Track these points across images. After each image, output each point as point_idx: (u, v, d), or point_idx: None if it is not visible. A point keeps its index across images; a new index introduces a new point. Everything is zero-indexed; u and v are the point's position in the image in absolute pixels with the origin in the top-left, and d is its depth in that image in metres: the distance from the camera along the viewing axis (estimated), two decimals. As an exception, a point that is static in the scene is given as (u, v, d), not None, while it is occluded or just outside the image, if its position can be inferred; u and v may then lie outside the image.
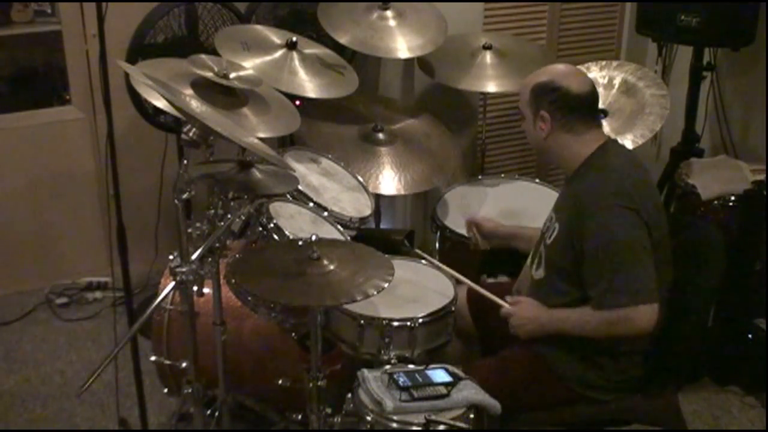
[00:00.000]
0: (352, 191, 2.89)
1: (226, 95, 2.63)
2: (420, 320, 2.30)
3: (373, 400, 2.08)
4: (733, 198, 3.10)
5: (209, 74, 2.59)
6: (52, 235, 3.71)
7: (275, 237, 2.40)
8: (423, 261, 2.60)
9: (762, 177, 3.12)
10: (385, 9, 3.21)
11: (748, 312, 3.15)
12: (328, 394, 2.21)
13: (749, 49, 3.33)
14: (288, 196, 2.63)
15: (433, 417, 2.02)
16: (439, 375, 2.14)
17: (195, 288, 2.14)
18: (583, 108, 2.27)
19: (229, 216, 2.32)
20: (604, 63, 3.33)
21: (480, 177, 3.34)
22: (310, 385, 2.16)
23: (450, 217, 3.02)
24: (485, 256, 2.78)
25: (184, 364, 2.31)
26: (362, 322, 2.29)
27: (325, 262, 2.08)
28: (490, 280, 2.85)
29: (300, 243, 2.18)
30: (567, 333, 2.24)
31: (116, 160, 2.43)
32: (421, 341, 2.32)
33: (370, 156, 3.08)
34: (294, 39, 2.99)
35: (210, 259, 2.15)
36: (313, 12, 3.20)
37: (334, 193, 2.82)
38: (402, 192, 3.05)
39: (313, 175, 2.86)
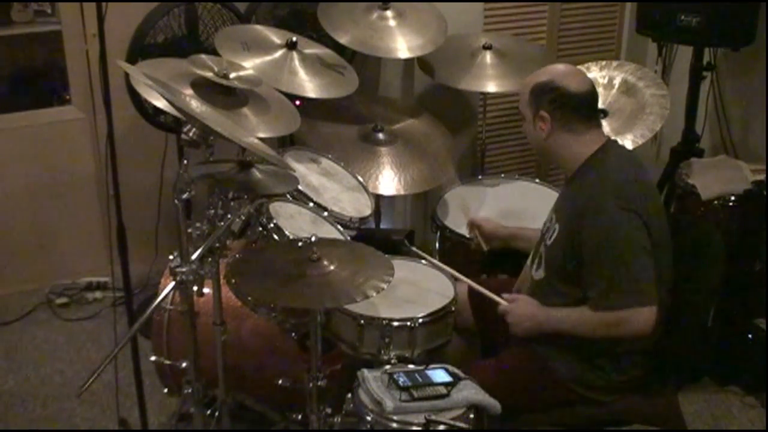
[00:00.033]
0: (352, 191, 2.89)
1: (226, 95, 2.63)
2: (420, 320, 2.30)
3: (373, 400, 2.08)
4: (733, 198, 3.10)
5: (209, 74, 2.59)
6: (52, 235, 3.71)
7: (275, 237, 2.40)
8: (423, 261, 2.60)
9: (762, 177, 3.12)
10: (385, 9, 3.21)
11: (748, 312, 3.15)
12: (328, 394, 2.21)
13: (749, 49, 3.33)
14: (288, 196, 2.63)
15: (433, 417, 2.02)
16: (439, 375, 2.14)
17: (195, 288, 2.14)
18: (582, 107, 2.27)
19: (229, 216, 2.32)
20: (604, 63, 3.33)
21: (480, 177, 3.34)
22: (310, 385, 2.16)
23: (450, 217, 3.02)
24: (485, 256, 2.78)
25: (184, 364, 2.31)
26: (362, 322, 2.29)
27: (325, 262, 2.09)
28: (491, 280, 2.85)
29: (300, 243, 2.18)
30: (564, 333, 2.25)
31: (116, 160, 2.43)
32: (421, 341, 2.32)
33: (370, 156, 3.08)
34: (294, 39, 2.99)
35: (210, 259, 2.15)
36: (313, 12, 3.20)
37: (334, 193, 2.82)
38: (402, 192, 3.05)
39: (313, 175, 2.86)
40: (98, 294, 3.68)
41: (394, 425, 2.03)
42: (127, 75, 2.85)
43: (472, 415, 2.07)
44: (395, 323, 2.28)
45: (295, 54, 2.98)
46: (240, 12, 3.24)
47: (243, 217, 2.36)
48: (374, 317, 2.29)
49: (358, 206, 2.83)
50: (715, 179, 3.18)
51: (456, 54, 3.33)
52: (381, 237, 2.75)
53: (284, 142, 3.16)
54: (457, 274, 2.51)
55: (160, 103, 2.57)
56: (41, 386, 3.13)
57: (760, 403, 3.06)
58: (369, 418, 2.06)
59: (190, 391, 2.29)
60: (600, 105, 3.09)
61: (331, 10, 3.18)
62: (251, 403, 2.64)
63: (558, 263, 2.27)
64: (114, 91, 2.42)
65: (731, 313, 3.09)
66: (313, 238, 2.10)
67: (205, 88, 2.59)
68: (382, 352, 2.29)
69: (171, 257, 2.16)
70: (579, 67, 3.11)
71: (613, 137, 2.57)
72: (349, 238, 2.62)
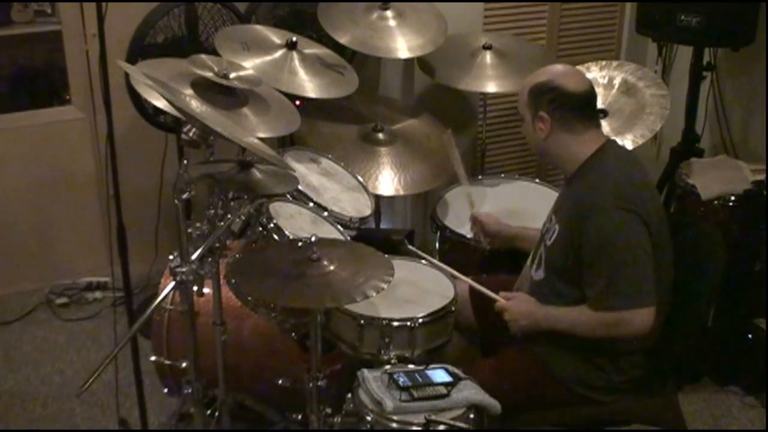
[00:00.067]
0: (352, 191, 2.89)
1: (226, 95, 2.63)
2: (420, 320, 2.30)
3: (373, 400, 2.08)
4: (733, 198, 3.10)
5: (209, 74, 2.59)
6: (52, 235, 3.71)
7: (275, 237, 2.40)
8: (423, 261, 2.60)
9: (762, 177, 3.12)
10: (385, 9, 3.21)
11: (748, 312, 3.15)
12: (328, 394, 2.21)
13: (749, 49, 3.33)
14: (288, 196, 2.63)
15: (433, 417, 2.02)
16: (439, 375, 2.14)
17: (195, 288, 2.14)
18: (581, 107, 2.27)
19: (229, 216, 2.32)
20: (604, 63, 3.33)
21: (480, 177, 3.33)
22: (310, 385, 2.16)
23: (450, 217, 3.02)
24: (485, 256, 2.78)
25: (184, 364, 2.31)
26: (362, 322, 2.29)
27: (325, 262, 2.09)
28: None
29: (300, 243, 2.18)
30: (562, 331, 2.25)
31: (116, 160, 2.43)
32: (421, 341, 2.32)
33: (370, 156, 3.08)
34: (294, 39, 2.99)
35: (210, 259, 2.15)
36: (313, 12, 3.20)
37: (334, 193, 2.82)
38: (401, 192, 3.06)
39: (313, 175, 2.86)
40: (98, 294, 3.68)
41: (394, 425, 2.03)
42: (127, 75, 2.85)
43: (472, 415, 2.07)
44: (395, 323, 2.28)
45: (295, 54, 2.98)
46: (240, 12, 3.24)
47: (243, 217, 2.36)
48: (374, 317, 2.29)
49: (358, 206, 2.83)
50: (715, 179, 3.18)
51: (456, 54, 3.33)
52: (381, 237, 2.75)
53: (284, 142, 3.16)
54: (456, 273, 2.51)
55: (160, 103, 2.57)
56: (41, 386, 3.13)
57: (760, 403, 3.06)
58: (369, 418, 2.06)
59: (190, 391, 2.28)
60: (600, 105, 3.10)
61: (331, 10, 3.18)
62: (251, 403, 2.64)
63: (558, 264, 2.27)
64: (114, 91, 2.42)
65: (731, 313, 3.09)
66: (313, 238, 2.10)
67: (205, 88, 2.59)
68: (382, 352, 2.29)
69: (171, 257, 2.15)
70: (579, 67, 3.12)
71: (613, 137, 2.57)
72: (349, 238, 2.62)
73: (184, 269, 2.01)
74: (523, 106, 2.33)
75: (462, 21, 3.50)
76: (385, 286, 2.05)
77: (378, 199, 3.02)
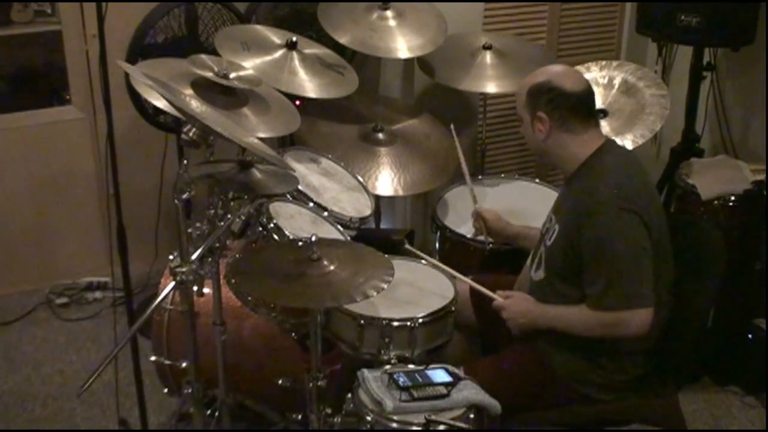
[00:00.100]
0: (352, 191, 2.89)
1: (226, 95, 2.63)
2: (420, 320, 2.30)
3: (373, 400, 2.08)
4: (733, 198, 3.10)
5: (209, 74, 2.59)
6: (52, 235, 3.71)
7: (275, 237, 2.40)
8: (423, 261, 2.60)
9: (762, 177, 3.12)
10: (385, 9, 3.21)
11: (748, 312, 3.15)
12: (328, 394, 2.21)
13: (749, 49, 3.33)
14: (288, 196, 2.63)
15: (433, 417, 2.02)
16: (439, 375, 2.14)
17: (195, 288, 2.14)
18: (580, 106, 2.27)
19: (229, 216, 2.32)
20: (604, 63, 3.33)
21: (480, 177, 3.33)
22: (310, 385, 2.16)
23: (450, 217, 3.02)
24: (486, 256, 2.78)
25: (184, 364, 2.31)
26: (362, 322, 2.29)
27: (325, 262, 2.09)
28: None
29: (300, 243, 2.18)
30: (560, 330, 2.25)
31: (116, 160, 2.43)
32: (421, 341, 2.32)
33: (369, 156, 3.08)
34: (294, 39, 2.99)
35: (210, 259, 2.15)
36: (313, 12, 3.20)
37: (334, 193, 2.82)
38: (401, 193, 3.06)
39: (313, 175, 2.86)
40: (98, 294, 3.67)
41: (394, 425, 2.03)
42: (127, 75, 2.85)
43: (472, 415, 2.07)
44: (395, 323, 2.28)
45: (295, 54, 2.98)
46: (240, 12, 3.24)
47: (243, 217, 2.36)
48: (374, 317, 2.29)
49: (358, 206, 2.83)
50: (715, 179, 3.18)
51: (456, 54, 3.33)
52: (381, 237, 2.75)
53: (284, 142, 3.16)
54: (455, 273, 2.51)
55: (160, 103, 2.57)
56: (41, 386, 3.13)
57: (760, 403, 3.06)
58: (369, 418, 2.06)
59: (190, 391, 2.29)
60: (600, 105, 3.10)
61: (331, 10, 3.18)
62: (251, 403, 2.64)
63: (558, 263, 2.27)
64: (114, 91, 2.43)
65: (731, 313, 3.09)
66: (313, 238, 2.10)
67: (205, 88, 2.59)
68: (382, 352, 2.29)
69: (171, 257, 2.15)
70: (579, 67, 3.13)
71: (613, 137, 2.57)
72: (349, 238, 2.62)
73: (184, 269, 2.01)
74: (521, 108, 2.33)
75: (462, 21, 3.50)
76: (385, 286, 2.05)
77: (378, 199, 3.02)
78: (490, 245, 2.76)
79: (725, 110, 3.73)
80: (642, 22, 3.49)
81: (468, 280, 2.49)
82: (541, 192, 3.15)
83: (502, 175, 3.37)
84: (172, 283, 2.04)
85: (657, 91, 3.15)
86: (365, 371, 2.17)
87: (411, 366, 2.20)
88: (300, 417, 2.39)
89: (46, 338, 3.42)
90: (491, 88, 3.26)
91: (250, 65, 2.82)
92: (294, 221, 2.54)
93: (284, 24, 3.27)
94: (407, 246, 2.64)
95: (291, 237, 2.38)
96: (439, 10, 3.33)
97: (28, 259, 3.70)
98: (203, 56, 2.68)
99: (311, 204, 2.67)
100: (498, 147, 3.82)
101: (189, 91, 2.55)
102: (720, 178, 3.19)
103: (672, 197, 3.36)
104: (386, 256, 2.23)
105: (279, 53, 2.97)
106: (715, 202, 3.12)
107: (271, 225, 2.41)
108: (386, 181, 3.03)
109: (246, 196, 2.35)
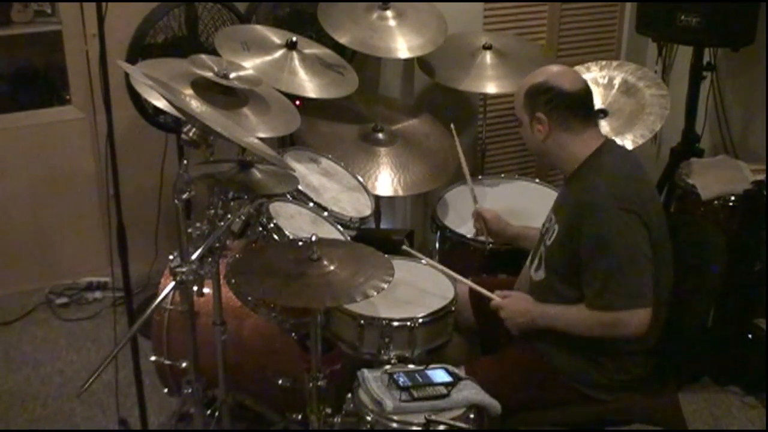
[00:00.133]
0: (352, 191, 2.89)
1: (226, 95, 2.63)
2: (420, 320, 2.30)
3: (373, 400, 2.08)
4: (733, 198, 3.10)
5: (209, 74, 2.59)
6: (52, 235, 3.71)
7: (275, 237, 2.40)
8: (423, 261, 2.60)
9: (762, 177, 3.12)
10: (385, 9, 3.21)
11: (748, 312, 3.15)
12: (328, 394, 2.21)
13: (749, 49, 3.33)
14: (288, 196, 2.63)
15: (433, 417, 2.02)
16: (439, 375, 2.14)
17: (195, 288, 2.14)
18: (578, 105, 2.27)
19: (229, 216, 2.32)
20: (604, 63, 3.33)
21: (480, 177, 3.33)
22: (310, 385, 2.16)
23: (450, 217, 3.02)
24: (485, 256, 2.78)
25: (184, 364, 2.31)
26: (362, 322, 2.29)
27: (325, 262, 2.08)
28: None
29: (300, 243, 2.18)
30: (559, 330, 2.25)
31: (116, 160, 2.43)
32: (421, 341, 2.32)
33: (369, 156, 3.08)
34: (294, 39, 2.99)
35: (210, 259, 2.15)
36: (313, 12, 3.20)
37: (334, 193, 2.82)
38: (400, 193, 3.05)
39: (313, 175, 2.86)
40: (98, 294, 3.68)
41: (394, 425, 2.04)
42: (127, 75, 2.85)
43: (472, 415, 2.07)
44: (395, 323, 2.28)
45: (295, 54, 2.98)
46: (240, 12, 3.24)
47: (243, 217, 2.36)
48: (374, 317, 2.29)
49: (358, 206, 2.83)
50: (715, 179, 3.18)
51: (456, 54, 3.33)
52: (381, 237, 2.75)
53: (284, 142, 3.16)
54: (453, 274, 2.51)
55: (160, 103, 2.57)
56: (41, 386, 3.13)
57: (760, 403, 3.06)
58: (369, 418, 2.06)
59: (190, 391, 2.29)
60: (600, 105, 3.11)
61: (331, 10, 3.18)
62: (251, 403, 2.64)
63: (558, 263, 2.27)
64: (114, 91, 2.42)
65: (731, 313, 3.09)
66: (313, 238, 2.10)
67: (205, 88, 2.59)
68: (382, 352, 2.29)
69: (171, 257, 2.16)
70: (579, 67, 3.13)
71: (613, 137, 2.57)
72: (349, 238, 2.62)
73: (184, 269, 2.01)
74: (520, 109, 2.33)
75: (462, 21, 3.50)
76: (385, 286, 2.05)
77: (378, 199, 3.02)
78: (490, 245, 2.76)
79: (725, 110, 3.73)
80: (642, 22, 3.49)
81: (466, 280, 2.49)
82: (541, 192, 3.15)
83: (502, 175, 3.37)
84: (172, 283, 2.04)
85: (657, 91, 3.16)
86: (365, 371, 2.17)
87: (411, 366, 2.20)
88: (300, 417, 2.39)
89: (46, 338, 3.42)
90: (491, 88, 3.26)
91: (250, 65, 2.82)
92: (294, 221, 2.54)
93: (284, 24, 3.27)
94: (405, 247, 2.63)
95: (291, 237, 2.38)
96: (439, 10, 3.33)
97: (28, 259, 3.70)
98: (203, 56, 2.68)
99: (311, 204, 2.67)
100: (498, 147, 3.82)
101: (189, 91, 2.55)
102: (720, 178, 3.19)
103: (672, 197, 3.36)
104: (386, 256, 2.23)
105: (279, 53, 2.97)
106: (715, 202, 3.12)
107: (271, 225, 2.41)
108: (386, 181, 3.03)
109: (246, 196, 2.35)
